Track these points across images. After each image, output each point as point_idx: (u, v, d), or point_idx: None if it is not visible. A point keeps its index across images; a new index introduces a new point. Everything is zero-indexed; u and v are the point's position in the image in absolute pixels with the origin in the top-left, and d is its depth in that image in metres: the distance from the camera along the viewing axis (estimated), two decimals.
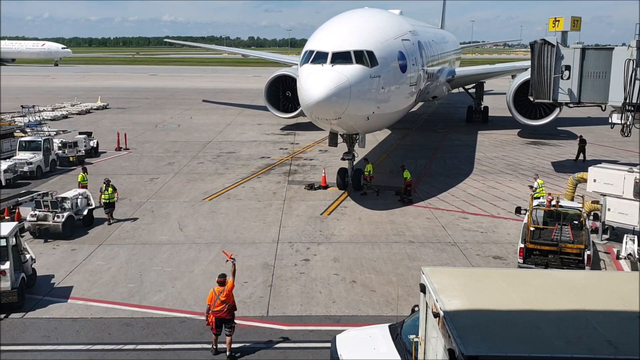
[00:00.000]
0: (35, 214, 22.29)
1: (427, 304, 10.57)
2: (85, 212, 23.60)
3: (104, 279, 18.63)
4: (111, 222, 23.90)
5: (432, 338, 10.27)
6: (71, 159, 34.58)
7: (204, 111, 60.42)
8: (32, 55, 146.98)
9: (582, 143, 35.89)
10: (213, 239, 22.24)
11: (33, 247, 19.91)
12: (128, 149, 39.48)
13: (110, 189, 24.09)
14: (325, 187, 29.26)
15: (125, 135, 41.35)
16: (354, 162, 28.81)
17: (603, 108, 28.90)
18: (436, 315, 9.64)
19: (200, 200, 27.34)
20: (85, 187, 26.31)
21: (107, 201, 24.04)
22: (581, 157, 36.15)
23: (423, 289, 10.72)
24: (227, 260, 15.02)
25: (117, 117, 55.39)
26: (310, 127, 36.08)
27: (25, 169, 30.83)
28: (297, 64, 28.38)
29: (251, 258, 20.21)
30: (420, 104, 51.15)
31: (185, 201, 27.25)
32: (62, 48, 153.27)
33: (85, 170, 27.86)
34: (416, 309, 12.91)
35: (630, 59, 25.85)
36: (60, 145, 34.81)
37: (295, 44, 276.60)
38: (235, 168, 34.16)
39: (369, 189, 28.35)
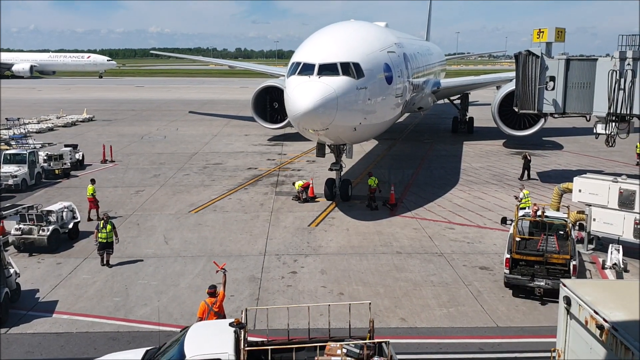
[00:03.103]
0: (20, 228, 22.03)
1: (570, 316, 10.52)
2: (70, 225, 23.37)
3: (89, 293, 18.43)
4: (110, 265, 20.55)
5: (579, 349, 10.27)
6: (57, 171, 34.27)
7: (190, 122, 60.29)
8: (78, 67, 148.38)
9: (526, 161, 34.11)
10: (199, 252, 22.10)
11: (17, 261, 19.72)
12: (114, 161, 39.23)
13: (109, 227, 20.63)
14: (313, 198, 29.25)
15: (110, 147, 41.12)
16: (342, 173, 28.87)
17: (588, 118, 29.24)
18: (600, 327, 9.57)
19: (186, 213, 27.20)
20: (94, 198, 26.15)
21: (105, 241, 20.56)
22: (526, 174, 34.03)
23: (568, 301, 10.65)
24: (218, 271, 14.94)
25: (103, 129, 55.10)
26: (297, 137, 36.10)
27: (10, 182, 30.49)
28: (284, 75, 28.40)
29: (237, 271, 20.10)
30: (406, 114, 51.41)
31: (171, 214, 27.09)
32: (108, 60, 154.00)
33: (93, 182, 27.01)
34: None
35: (613, 70, 26.24)
36: (45, 157, 34.51)
37: (282, 56, 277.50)
38: (221, 179, 34.05)
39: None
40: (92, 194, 26.24)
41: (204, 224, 25.52)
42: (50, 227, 22.09)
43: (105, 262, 20.64)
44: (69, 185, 32.99)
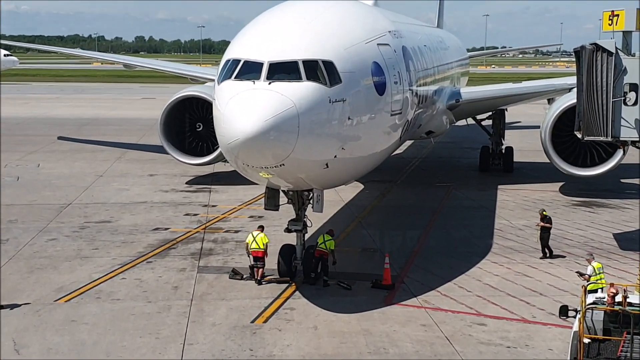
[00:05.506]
0: None
1: None
2: None
3: None
4: None
5: None
6: None
7: (60, 154, 60.14)
8: None
9: (545, 226, 32.68)
10: None
11: None
12: None
13: None
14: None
15: None
16: (307, 236, 28.80)
17: None
18: None
19: (51, 302, 26.70)
20: None
21: None
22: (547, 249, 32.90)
23: None
24: None
25: None
26: (235, 178, 36.01)
27: None
28: (213, 80, 28.52)
29: None
30: (408, 142, 51.93)
31: (26, 303, 26.54)
32: (5, 56, 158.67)
33: None
34: None
35: None
36: None
37: (211, 49, 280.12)
38: (110, 247, 33.73)
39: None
40: None
41: (79, 320, 25.05)
42: None
43: None
44: None
